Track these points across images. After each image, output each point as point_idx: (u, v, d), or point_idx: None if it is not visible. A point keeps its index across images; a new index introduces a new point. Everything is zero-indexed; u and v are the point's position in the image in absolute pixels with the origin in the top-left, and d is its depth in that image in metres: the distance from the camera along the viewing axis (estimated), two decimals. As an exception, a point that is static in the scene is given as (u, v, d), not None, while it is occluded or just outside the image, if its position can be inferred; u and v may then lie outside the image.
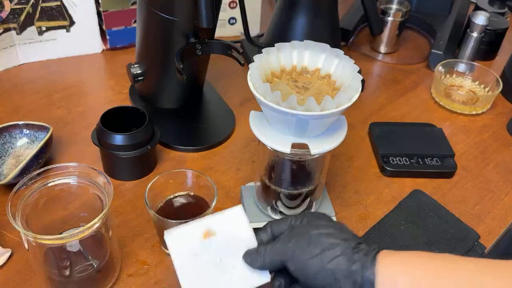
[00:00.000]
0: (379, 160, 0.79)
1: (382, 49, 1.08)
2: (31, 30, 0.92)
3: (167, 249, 0.62)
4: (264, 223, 0.65)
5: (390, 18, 1.04)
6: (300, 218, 0.51)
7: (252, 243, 0.51)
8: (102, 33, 1.00)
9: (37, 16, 0.91)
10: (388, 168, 0.77)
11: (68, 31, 0.95)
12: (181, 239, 0.50)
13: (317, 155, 0.60)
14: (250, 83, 0.55)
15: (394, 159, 0.78)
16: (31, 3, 0.89)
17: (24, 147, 0.75)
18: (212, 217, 0.52)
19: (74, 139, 0.80)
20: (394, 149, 0.80)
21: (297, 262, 0.47)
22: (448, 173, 0.78)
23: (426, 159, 0.79)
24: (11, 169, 0.71)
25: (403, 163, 0.78)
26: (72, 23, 0.95)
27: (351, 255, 0.45)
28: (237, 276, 0.49)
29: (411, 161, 0.78)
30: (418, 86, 1.00)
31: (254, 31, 1.08)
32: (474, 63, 1.00)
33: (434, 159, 0.79)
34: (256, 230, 0.52)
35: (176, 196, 0.65)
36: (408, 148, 0.80)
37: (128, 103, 0.88)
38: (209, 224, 0.51)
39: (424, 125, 0.87)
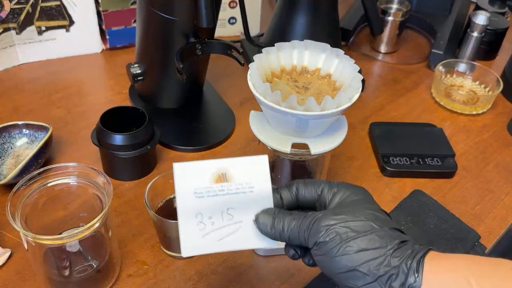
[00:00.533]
0: (379, 160, 0.79)
1: (382, 49, 1.08)
2: (31, 30, 0.92)
3: (167, 249, 0.63)
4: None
5: (390, 18, 1.04)
6: (334, 188, 0.45)
7: (269, 202, 0.45)
8: (102, 33, 1.00)
9: (36, 16, 0.91)
10: (388, 168, 0.77)
11: (67, 31, 0.95)
12: (190, 175, 0.45)
13: (317, 155, 0.59)
14: (250, 83, 0.55)
15: (394, 159, 0.78)
16: (30, 3, 0.89)
17: (24, 147, 0.75)
18: (231, 160, 0.46)
19: (74, 139, 0.80)
20: (394, 149, 0.80)
21: (323, 254, 0.41)
22: (448, 173, 0.78)
23: (426, 159, 0.79)
24: (10, 169, 0.71)
25: (403, 163, 0.78)
26: (71, 23, 0.95)
27: (390, 258, 0.40)
28: (240, 231, 0.45)
29: (411, 161, 0.78)
30: (418, 86, 1.00)
31: (254, 31, 1.08)
32: (475, 63, 1.00)
33: (435, 159, 0.79)
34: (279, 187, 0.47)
35: (176, 196, 0.65)
36: (408, 148, 0.80)
37: (128, 103, 0.88)
38: (225, 167, 0.45)
39: (424, 125, 0.87)
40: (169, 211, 0.64)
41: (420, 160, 0.78)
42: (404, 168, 0.77)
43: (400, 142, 0.81)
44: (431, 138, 0.83)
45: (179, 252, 0.62)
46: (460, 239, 0.67)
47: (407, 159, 0.78)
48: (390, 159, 0.78)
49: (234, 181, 0.45)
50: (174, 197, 0.64)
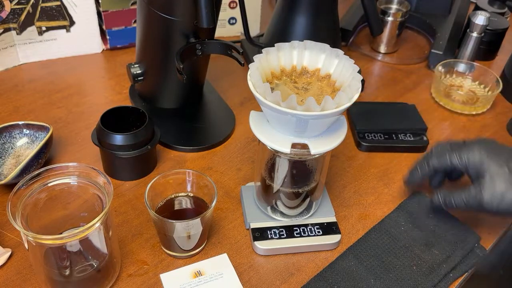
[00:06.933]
0: (355, 136, 0.83)
1: (382, 49, 1.08)
2: (31, 30, 0.92)
3: (167, 249, 0.63)
4: (264, 224, 0.66)
5: (390, 18, 1.04)
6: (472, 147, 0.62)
7: (238, 286, 0.57)
8: (102, 33, 1.00)
9: (37, 16, 0.91)
10: (364, 144, 0.81)
11: (68, 31, 0.96)
12: (174, 278, 0.58)
13: (317, 155, 0.60)
14: (250, 83, 0.56)
15: (369, 135, 0.82)
16: (31, 3, 0.89)
17: (24, 147, 0.75)
18: (201, 262, 0.60)
19: (74, 139, 0.80)
20: (370, 125, 0.84)
21: (493, 188, 0.54)
22: (420, 148, 0.82)
23: (399, 135, 0.83)
24: (11, 169, 0.71)
25: (377, 139, 0.82)
26: (72, 23, 0.95)
27: None
28: None
29: (385, 136, 0.82)
30: (418, 86, 1.00)
31: (254, 31, 1.08)
32: (474, 63, 1.00)
33: (408, 134, 0.83)
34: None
35: (176, 196, 0.65)
36: (383, 124, 0.84)
37: (128, 103, 0.88)
38: (198, 266, 0.59)
39: (399, 104, 0.92)
40: (169, 211, 0.64)
41: (393, 135, 0.83)
42: (378, 143, 0.81)
43: (375, 119, 0.85)
44: (405, 115, 0.87)
45: (179, 252, 0.62)
46: (460, 241, 0.67)
47: (381, 135, 0.82)
48: (366, 135, 0.82)
49: (207, 274, 0.58)
50: (174, 197, 0.65)
